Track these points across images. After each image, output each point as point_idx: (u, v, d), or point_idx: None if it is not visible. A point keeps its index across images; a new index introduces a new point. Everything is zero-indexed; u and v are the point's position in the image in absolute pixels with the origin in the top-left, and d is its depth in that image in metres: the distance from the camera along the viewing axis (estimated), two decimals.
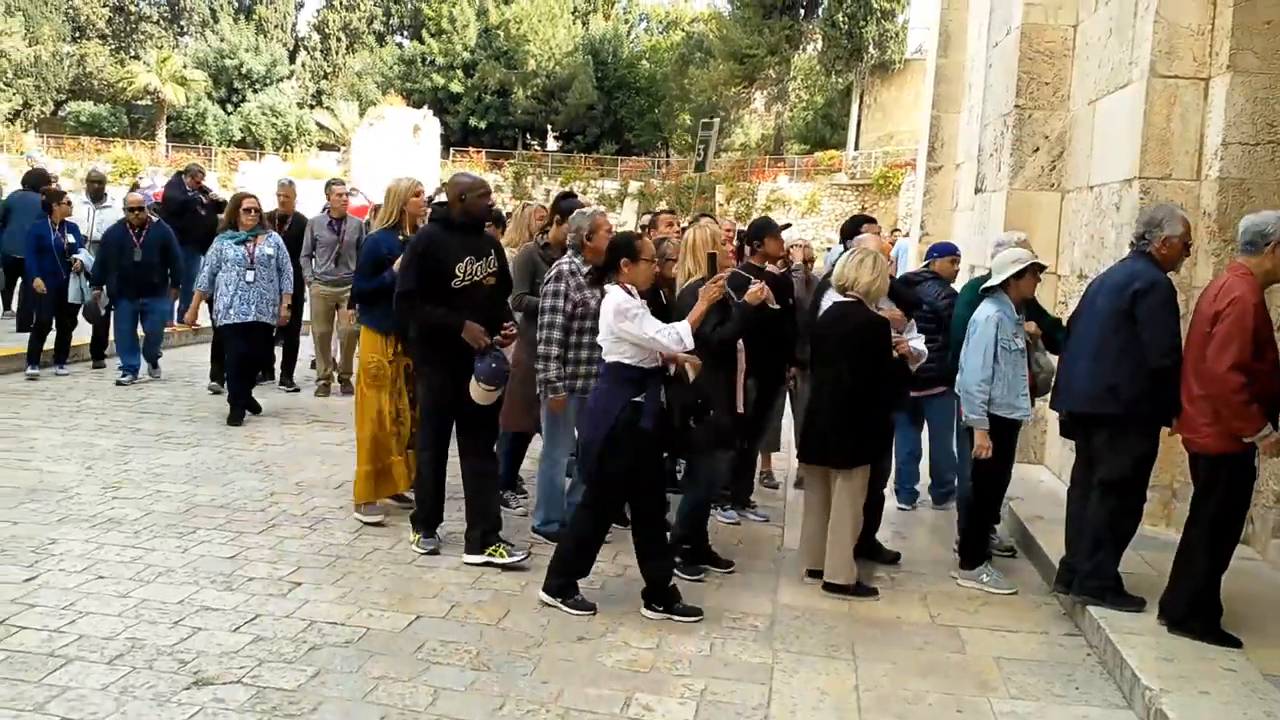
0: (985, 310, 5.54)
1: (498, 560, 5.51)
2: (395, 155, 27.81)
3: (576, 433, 5.89)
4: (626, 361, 4.90)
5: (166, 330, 11.00)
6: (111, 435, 8.03)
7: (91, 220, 11.70)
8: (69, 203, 10.82)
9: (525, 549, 5.66)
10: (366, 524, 6.14)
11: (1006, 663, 4.69)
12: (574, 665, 4.40)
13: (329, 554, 5.63)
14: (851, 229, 7.15)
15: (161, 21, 60.19)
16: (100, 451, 7.50)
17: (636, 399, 4.89)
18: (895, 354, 5.59)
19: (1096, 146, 7.37)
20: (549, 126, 55.64)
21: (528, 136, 56.24)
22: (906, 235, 18.45)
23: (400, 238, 6.33)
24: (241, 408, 8.79)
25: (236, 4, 60.22)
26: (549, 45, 53.07)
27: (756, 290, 5.48)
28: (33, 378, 10.00)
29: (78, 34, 56.16)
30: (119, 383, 10.04)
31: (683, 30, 58.21)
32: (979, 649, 4.84)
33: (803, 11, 48.70)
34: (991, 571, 5.67)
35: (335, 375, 10.32)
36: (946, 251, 7.19)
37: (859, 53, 43.63)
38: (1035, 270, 5.61)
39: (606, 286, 5.08)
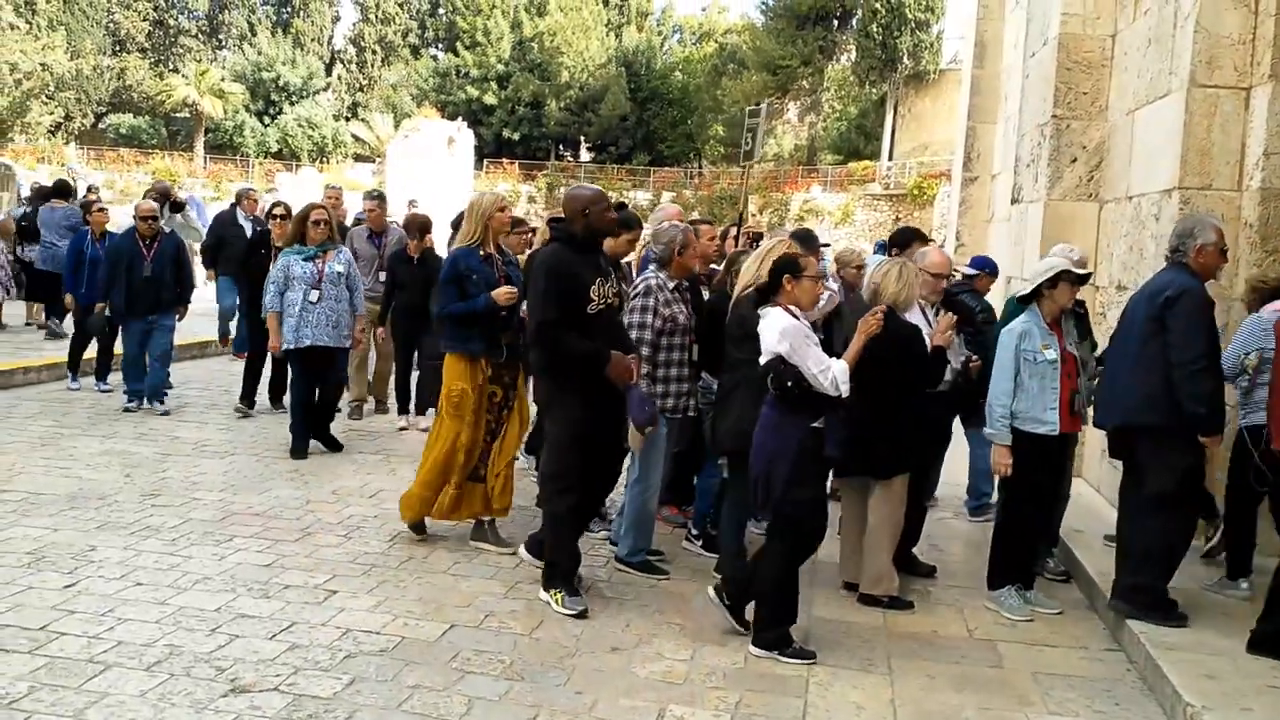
0: (1013, 323, 5.43)
1: (551, 602, 5.13)
2: (430, 167, 27.85)
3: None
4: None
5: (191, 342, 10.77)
6: (150, 443, 8.11)
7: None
8: (102, 210, 10.73)
9: (584, 604, 5.09)
10: (415, 537, 6.07)
11: (1045, 678, 4.64)
12: (608, 676, 4.39)
13: (364, 562, 5.64)
14: (902, 242, 7.11)
15: (200, 35, 60.99)
16: (139, 459, 7.58)
17: (815, 425, 4.67)
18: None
19: (1135, 157, 7.30)
20: (582, 138, 55.80)
21: (561, 148, 56.44)
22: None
23: (482, 254, 5.86)
24: (305, 440, 8.01)
25: (274, 18, 60.92)
26: (582, 57, 53.23)
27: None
28: (74, 389, 10.09)
29: (118, 48, 56.95)
30: (126, 409, 9.22)
31: (716, 41, 58.27)
32: (1017, 664, 4.79)
33: (836, 22, 48.65)
34: (1013, 596, 5.44)
35: (370, 397, 9.79)
36: (990, 269, 7.24)
37: (893, 63, 43.50)
38: (1070, 279, 5.30)
39: (765, 309, 4.79)
